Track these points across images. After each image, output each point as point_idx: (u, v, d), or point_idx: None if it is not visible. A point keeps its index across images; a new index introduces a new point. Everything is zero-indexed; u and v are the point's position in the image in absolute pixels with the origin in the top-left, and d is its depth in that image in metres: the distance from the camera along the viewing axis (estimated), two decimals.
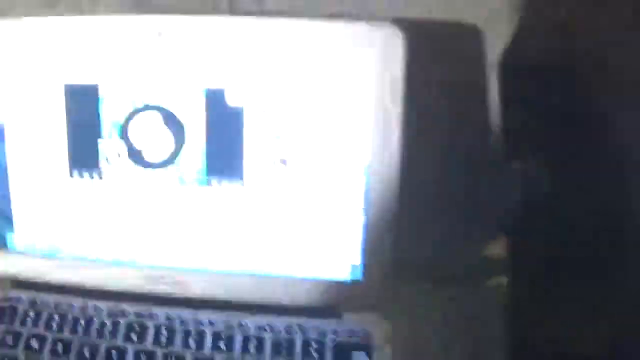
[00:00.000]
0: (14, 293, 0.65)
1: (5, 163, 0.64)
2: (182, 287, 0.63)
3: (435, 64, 0.63)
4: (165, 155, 0.61)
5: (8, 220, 0.65)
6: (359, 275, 0.61)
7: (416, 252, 0.64)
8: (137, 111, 0.61)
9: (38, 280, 0.65)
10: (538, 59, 0.62)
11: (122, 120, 0.61)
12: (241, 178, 0.61)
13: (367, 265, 0.61)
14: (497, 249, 0.69)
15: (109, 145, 0.62)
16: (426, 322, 0.64)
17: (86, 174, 0.63)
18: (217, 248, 0.63)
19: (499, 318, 0.65)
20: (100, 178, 0.62)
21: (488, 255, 0.69)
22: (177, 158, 0.61)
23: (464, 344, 0.63)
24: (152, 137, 0.61)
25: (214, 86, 0.59)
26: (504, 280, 0.67)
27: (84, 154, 0.62)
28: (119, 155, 0.62)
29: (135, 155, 0.62)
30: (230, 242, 0.63)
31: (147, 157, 0.62)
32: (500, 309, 0.65)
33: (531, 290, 0.64)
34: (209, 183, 0.61)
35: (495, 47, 0.64)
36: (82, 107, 0.61)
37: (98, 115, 0.61)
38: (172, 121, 0.60)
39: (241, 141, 0.60)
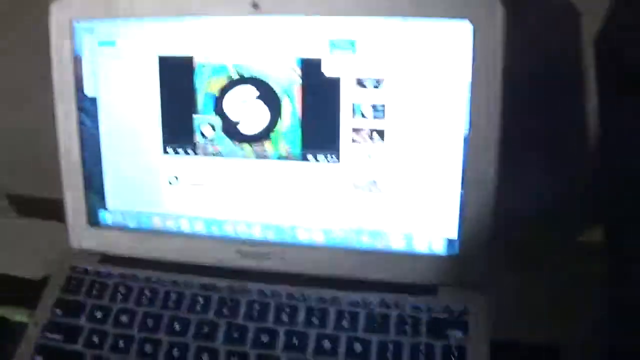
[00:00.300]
0: (105, 268, 0.65)
1: (99, 138, 0.64)
2: (276, 262, 0.63)
3: (533, 35, 0.62)
4: (260, 129, 0.61)
5: (100, 195, 0.65)
6: (455, 250, 0.61)
7: (512, 230, 0.62)
8: (232, 84, 0.61)
9: (129, 255, 0.65)
10: None
11: (217, 94, 0.61)
12: (337, 152, 0.60)
13: (464, 240, 0.60)
14: (595, 235, 0.69)
15: (203, 120, 0.61)
16: (521, 301, 0.63)
17: (180, 149, 0.63)
18: (312, 223, 0.62)
19: (593, 298, 0.64)
20: (195, 153, 0.62)
21: (585, 240, 0.69)
22: (273, 132, 0.61)
23: (558, 324, 0.62)
24: (248, 111, 0.61)
25: (310, 56, 0.59)
26: (599, 266, 0.66)
27: (178, 128, 0.62)
28: (214, 130, 0.62)
29: (230, 130, 0.62)
30: (325, 216, 0.62)
31: (243, 131, 0.62)
32: (594, 293, 0.65)
33: (627, 277, 0.63)
34: (304, 157, 0.61)
35: (593, 22, 0.63)
36: (177, 80, 0.61)
37: (193, 88, 0.61)
38: (267, 94, 0.60)
39: (337, 113, 0.60)
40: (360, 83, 0.59)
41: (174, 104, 0.62)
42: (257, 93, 0.60)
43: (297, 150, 0.61)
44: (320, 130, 0.60)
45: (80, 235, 0.66)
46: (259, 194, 0.62)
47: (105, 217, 0.66)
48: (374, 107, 0.59)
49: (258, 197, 0.63)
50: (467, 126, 0.57)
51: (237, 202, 0.63)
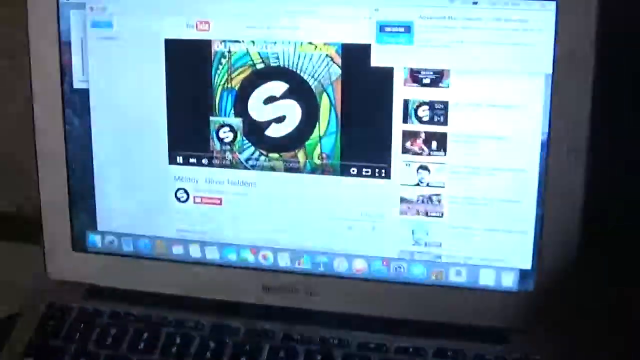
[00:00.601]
0: (92, 304, 0.62)
1: (90, 142, 0.62)
2: (307, 298, 0.61)
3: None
4: (291, 135, 0.59)
5: (89, 213, 0.63)
6: (529, 284, 0.57)
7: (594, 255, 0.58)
8: (258, 77, 0.58)
9: (124, 287, 0.63)
10: None
11: (239, 89, 0.59)
12: (387, 164, 0.58)
13: (540, 272, 0.57)
14: None
15: (221, 122, 0.59)
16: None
17: (191, 158, 0.61)
18: (353, 249, 0.60)
19: None
20: (210, 163, 0.60)
21: None
22: (307, 139, 0.58)
23: None
24: (276, 112, 0.58)
25: (355, 42, 0.56)
26: None
27: (189, 132, 0.60)
28: (234, 135, 0.59)
29: (254, 135, 0.59)
30: (369, 242, 0.60)
31: (270, 137, 0.59)
32: None
33: None
34: (345, 171, 0.58)
35: None
36: (189, 71, 0.59)
37: (209, 82, 0.59)
38: (301, 90, 0.58)
39: (388, 115, 0.57)
40: (416, 77, 0.56)
41: (185, 101, 0.60)
42: (288, 88, 0.58)
43: (337, 161, 0.58)
44: (365, 136, 0.57)
45: (62, 263, 0.64)
46: (287, 214, 0.60)
47: (95, 240, 0.64)
48: (433, 107, 0.56)
49: (286, 218, 0.61)
50: (546, 129, 0.55)
51: (261, 224, 0.61)
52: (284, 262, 0.61)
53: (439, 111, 0.56)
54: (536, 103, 0.54)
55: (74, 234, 0.63)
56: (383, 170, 0.57)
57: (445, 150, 0.56)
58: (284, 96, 0.58)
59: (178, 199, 0.61)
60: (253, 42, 0.57)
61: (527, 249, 0.57)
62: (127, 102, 0.61)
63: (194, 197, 0.61)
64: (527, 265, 0.57)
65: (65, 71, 0.61)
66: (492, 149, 0.56)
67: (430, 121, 0.56)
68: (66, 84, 0.61)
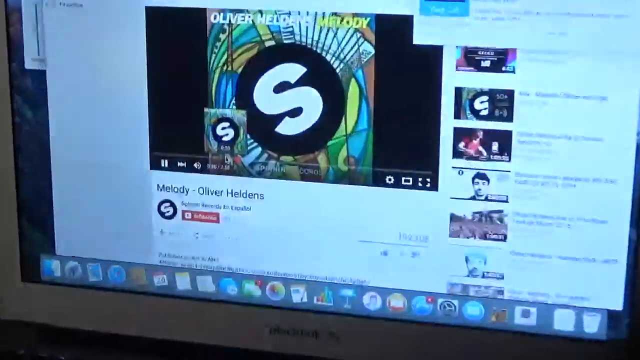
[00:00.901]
0: (46, 349, 0.61)
1: (47, 140, 0.60)
2: (327, 344, 0.59)
3: None
4: (310, 133, 0.57)
5: (45, 233, 0.62)
6: (621, 331, 0.55)
7: None
8: (267, 58, 0.56)
9: (85, 328, 0.61)
10: None
11: (242, 73, 0.56)
12: (434, 171, 0.55)
13: (635, 313, 0.54)
14: None
15: (219, 115, 0.58)
16: None
17: (180, 162, 0.59)
18: (388, 282, 0.58)
19: None
20: (204, 168, 0.59)
21: None
22: (330, 138, 0.57)
23: None
24: (290, 102, 0.57)
25: (392, 13, 0.54)
26: None
27: (177, 128, 0.59)
28: (236, 132, 0.58)
29: (262, 133, 0.58)
30: (409, 271, 0.57)
31: (281, 135, 0.57)
32: None
33: None
34: (379, 179, 0.57)
35: None
36: (177, 49, 0.57)
37: (204, 63, 0.57)
38: (322, 75, 0.56)
39: (435, 108, 0.54)
40: (472, 59, 0.53)
41: (172, 88, 0.58)
42: (306, 73, 0.56)
43: (368, 167, 0.56)
44: (405, 135, 0.56)
45: (8, 297, 0.63)
46: (303, 235, 0.59)
47: (51, 267, 0.62)
48: (493, 97, 0.54)
49: (302, 241, 0.59)
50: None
51: (269, 247, 0.60)
52: (298, 297, 0.60)
53: (502, 103, 0.53)
54: (631, 94, 0.52)
55: (23, 259, 0.62)
56: (428, 180, 0.56)
57: (509, 154, 0.54)
58: (301, 82, 0.56)
59: (162, 214, 0.60)
60: (260, 12, 0.55)
61: (618, 284, 0.55)
62: (96, 88, 0.60)
63: (183, 212, 0.60)
64: (618, 305, 0.55)
65: (13, 47, 0.60)
66: (571, 153, 0.54)
67: (491, 116, 0.54)
68: (15, 63, 0.60)
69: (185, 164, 0.59)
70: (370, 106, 0.55)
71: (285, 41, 0.56)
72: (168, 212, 0.60)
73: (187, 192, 0.59)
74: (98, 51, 0.59)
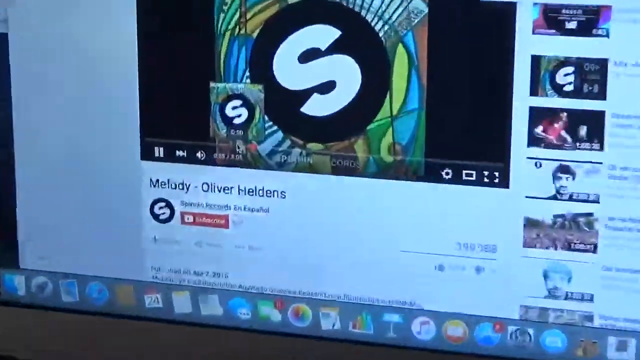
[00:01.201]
0: None
1: (10, 123, 0.58)
2: None
3: None
4: (344, 115, 0.54)
5: (7, 244, 0.60)
6: None
7: None
8: (289, 19, 0.53)
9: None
10: None
11: (257, 39, 0.54)
12: (504, 164, 0.53)
13: None
14: None
15: (229, 91, 0.55)
16: None
17: (179, 150, 0.57)
18: (445, 304, 0.56)
19: None
20: (209, 159, 0.57)
21: None
22: (371, 120, 0.54)
23: None
24: (320, 75, 0.54)
25: None
26: None
27: (174, 110, 0.57)
28: (251, 113, 0.55)
29: (283, 113, 0.55)
30: (472, 291, 0.55)
31: (309, 117, 0.55)
32: None
33: None
34: (434, 172, 0.54)
35: None
36: (175, 7, 0.56)
37: (210, 25, 0.55)
38: (360, 41, 0.53)
39: (505, 81, 0.51)
40: (554, 18, 0.51)
41: (169, 58, 0.57)
42: (340, 37, 0.54)
43: (419, 157, 0.54)
44: (467, 117, 0.54)
45: None
46: (336, 243, 0.57)
47: (14, 284, 0.61)
48: (581, 69, 0.51)
49: (334, 251, 0.57)
50: None
51: (291, 259, 0.58)
52: (329, 322, 0.58)
53: (592, 75, 0.51)
54: None
55: None
56: (496, 174, 0.53)
57: (601, 142, 0.51)
58: (333, 49, 0.54)
59: (155, 217, 0.58)
60: None
61: None
62: (73, 57, 0.57)
63: (182, 215, 0.58)
64: None
65: None
66: None
67: (578, 93, 0.51)
68: None
69: (185, 153, 0.57)
70: (422, 80, 0.53)
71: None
72: (163, 214, 0.58)
73: (187, 188, 0.57)
74: (75, 10, 0.56)
